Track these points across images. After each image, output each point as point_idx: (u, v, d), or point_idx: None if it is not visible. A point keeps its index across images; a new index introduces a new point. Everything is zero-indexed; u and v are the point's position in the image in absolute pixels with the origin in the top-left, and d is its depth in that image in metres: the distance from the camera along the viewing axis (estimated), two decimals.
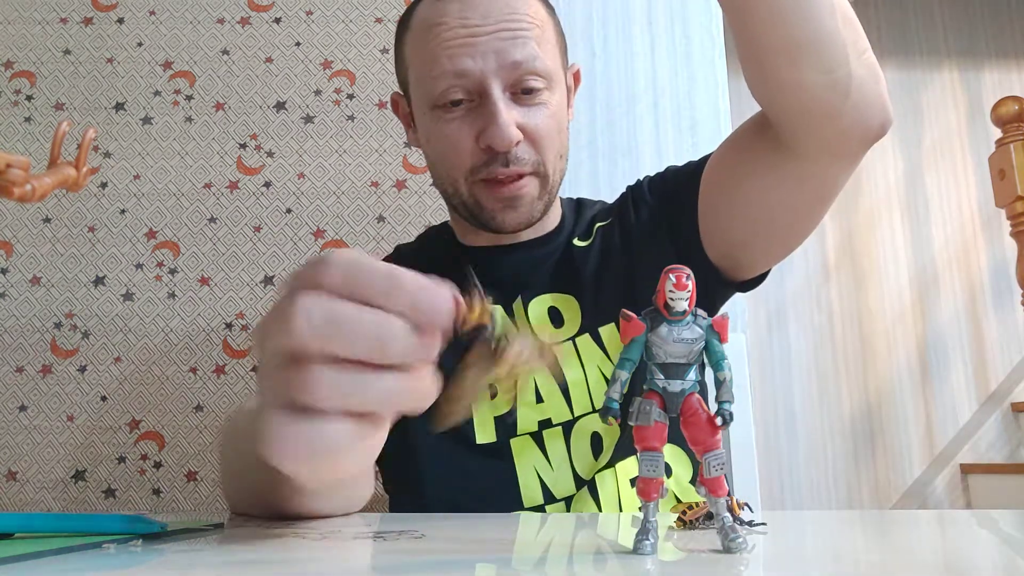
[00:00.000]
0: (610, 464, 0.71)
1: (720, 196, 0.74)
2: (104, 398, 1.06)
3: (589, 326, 0.75)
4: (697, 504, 0.42)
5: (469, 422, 0.72)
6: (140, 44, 1.18)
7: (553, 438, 0.73)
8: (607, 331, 0.75)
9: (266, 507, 0.54)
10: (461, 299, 0.33)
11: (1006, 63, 3.01)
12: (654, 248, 0.77)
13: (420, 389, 0.33)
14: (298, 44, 1.18)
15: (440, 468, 0.72)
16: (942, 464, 2.58)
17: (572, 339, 0.74)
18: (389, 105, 0.81)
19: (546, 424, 0.73)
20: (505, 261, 0.80)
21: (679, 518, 0.42)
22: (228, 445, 0.63)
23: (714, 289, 0.77)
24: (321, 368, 0.31)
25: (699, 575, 0.29)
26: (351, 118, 1.15)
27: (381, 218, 1.11)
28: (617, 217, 0.82)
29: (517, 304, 0.78)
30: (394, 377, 0.32)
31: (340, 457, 0.32)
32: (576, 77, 0.82)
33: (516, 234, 0.78)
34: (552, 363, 0.37)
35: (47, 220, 1.12)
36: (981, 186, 2.82)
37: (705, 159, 0.78)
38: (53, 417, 1.06)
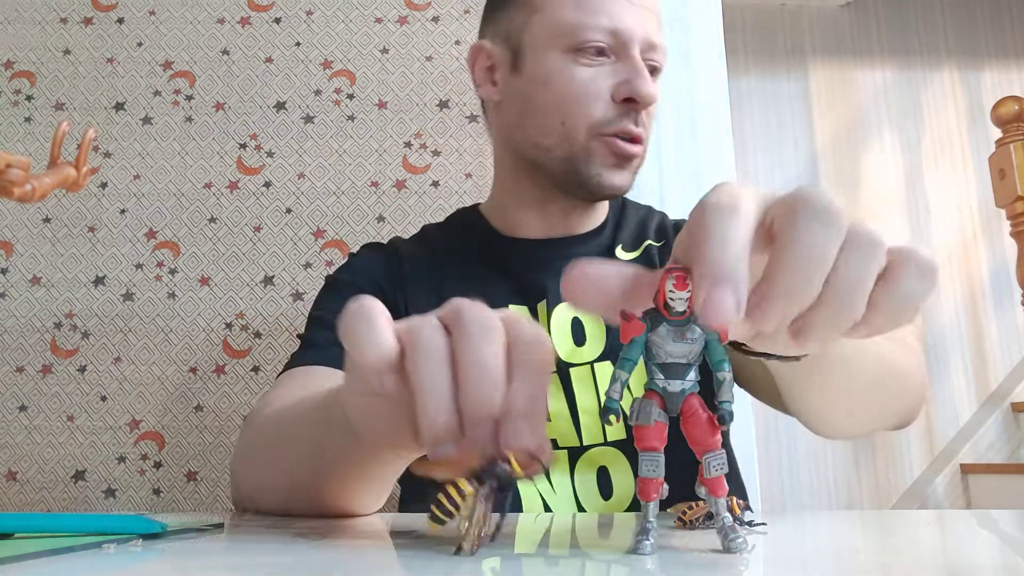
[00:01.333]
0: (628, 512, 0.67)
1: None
2: (104, 398, 1.06)
3: (612, 353, 0.72)
4: (697, 504, 0.42)
5: None
6: (140, 44, 1.18)
7: (557, 462, 0.70)
8: None
9: (305, 486, 0.52)
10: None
11: (1006, 63, 3.01)
12: None
13: (441, 447, 0.32)
14: (298, 44, 1.18)
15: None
16: (942, 464, 2.58)
17: (591, 363, 0.72)
18: (468, 57, 0.79)
19: (551, 445, 0.71)
20: (541, 255, 0.77)
21: (679, 518, 0.42)
22: (284, 416, 0.59)
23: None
24: (440, 343, 0.32)
25: (699, 575, 0.29)
26: (351, 118, 1.15)
27: (381, 218, 1.11)
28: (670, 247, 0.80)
29: (541, 307, 0.75)
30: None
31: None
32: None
33: (563, 225, 0.77)
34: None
35: (47, 220, 1.12)
36: (981, 186, 2.82)
37: None
38: (53, 417, 1.06)
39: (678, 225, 0.83)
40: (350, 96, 1.16)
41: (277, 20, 1.19)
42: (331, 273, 0.82)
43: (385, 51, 1.17)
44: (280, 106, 1.15)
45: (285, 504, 0.56)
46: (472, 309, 0.33)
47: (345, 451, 0.46)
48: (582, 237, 0.79)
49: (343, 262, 0.83)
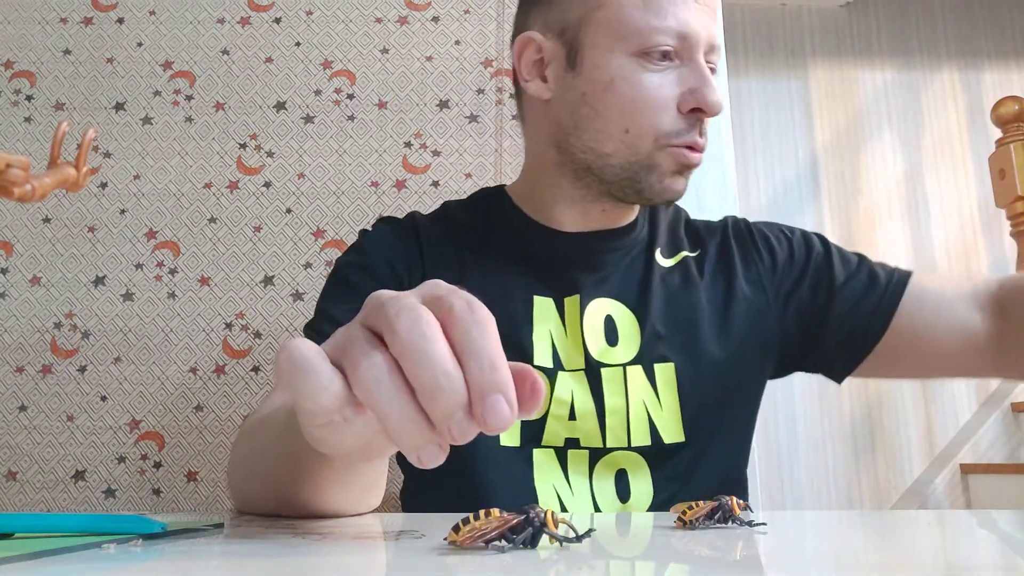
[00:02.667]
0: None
1: (906, 357, 0.75)
2: (104, 398, 1.06)
3: (644, 359, 0.71)
4: (697, 504, 0.42)
5: None
6: (140, 44, 1.18)
7: (577, 461, 0.69)
8: (662, 370, 0.71)
9: (287, 496, 0.53)
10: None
11: (1006, 63, 3.01)
12: (752, 317, 0.75)
13: (424, 452, 0.32)
14: (298, 44, 1.18)
15: (457, 462, 0.67)
16: (942, 464, 2.58)
17: (623, 366, 0.70)
18: (514, 51, 0.75)
19: (573, 444, 0.69)
20: (576, 248, 0.75)
21: (679, 518, 0.42)
22: (260, 428, 0.60)
23: (779, 368, 0.78)
24: (381, 361, 0.31)
25: (699, 575, 0.29)
26: (351, 118, 1.15)
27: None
28: (713, 256, 0.78)
29: (572, 301, 0.73)
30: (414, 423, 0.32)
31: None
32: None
33: (600, 221, 0.75)
34: None
35: (47, 220, 1.12)
36: (981, 186, 2.82)
37: (879, 282, 0.76)
38: (53, 417, 1.06)
39: (710, 226, 0.82)
40: (350, 96, 1.16)
41: (277, 20, 1.19)
42: (341, 256, 0.78)
43: (385, 51, 1.17)
44: (280, 106, 1.15)
45: (274, 510, 0.56)
46: (395, 307, 0.32)
47: (317, 463, 0.47)
48: (615, 232, 0.76)
49: (353, 241, 0.80)
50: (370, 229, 0.80)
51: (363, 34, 1.18)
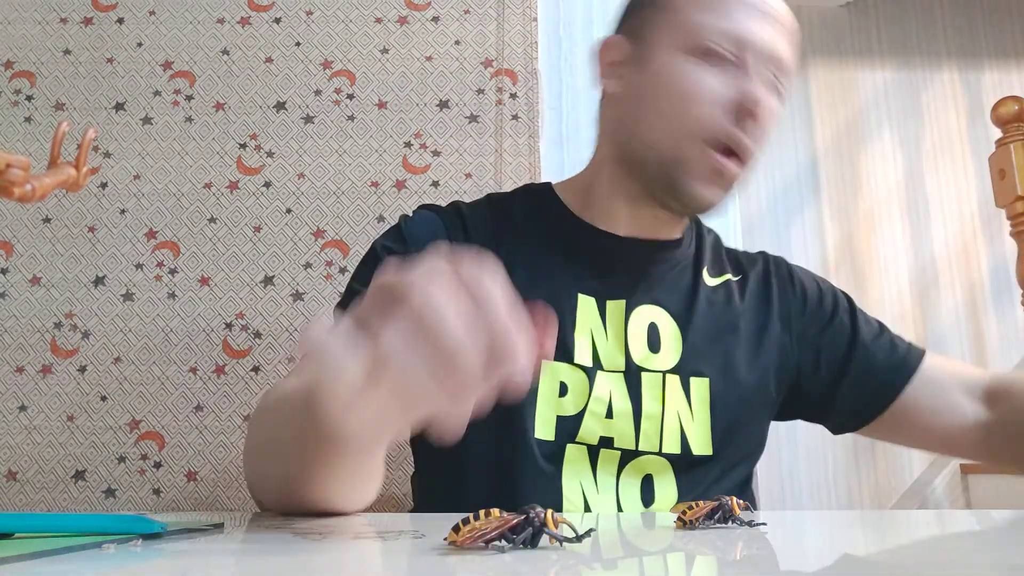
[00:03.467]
0: None
1: (902, 428, 0.79)
2: (104, 398, 1.06)
3: (683, 369, 0.73)
4: (697, 504, 0.42)
5: (531, 413, 0.68)
6: (140, 44, 1.18)
7: (607, 461, 0.70)
8: (698, 384, 0.73)
9: (295, 482, 0.53)
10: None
11: (1006, 63, 3.01)
12: (777, 351, 0.77)
13: (449, 414, 0.35)
14: (298, 44, 1.18)
15: (485, 453, 0.67)
16: (942, 464, 2.58)
17: (663, 373, 0.72)
18: (595, 51, 0.79)
19: (607, 443, 0.70)
20: (625, 253, 0.76)
21: (679, 517, 0.42)
22: (274, 411, 0.60)
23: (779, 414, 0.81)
24: (397, 332, 0.34)
25: (698, 574, 0.29)
26: (351, 118, 1.15)
27: (381, 218, 1.11)
28: (753, 285, 0.80)
29: (616, 305, 0.74)
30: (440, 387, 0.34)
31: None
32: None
33: (651, 227, 0.76)
34: None
35: (47, 220, 1.12)
36: (981, 186, 2.82)
37: (892, 354, 0.79)
38: (53, 417, 1.06)
39: (749, 256, 0.84)
40: (350, 96, 1.16)
41: (277, 20, 1.18)
42: (378, 238, 0.78)
43: (385, 51, 1.17)
44: (280, 106, 1.15)
45: (278, 495, 0.57)
46: (406, 279, 0.35)
47: (329, 445, 0.48)
48: (665, 244, 0.78)
49: (392, 226, 0.79)
50: (410, 215, 0.79)
51: (363, 34, 1.18)
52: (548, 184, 0.83)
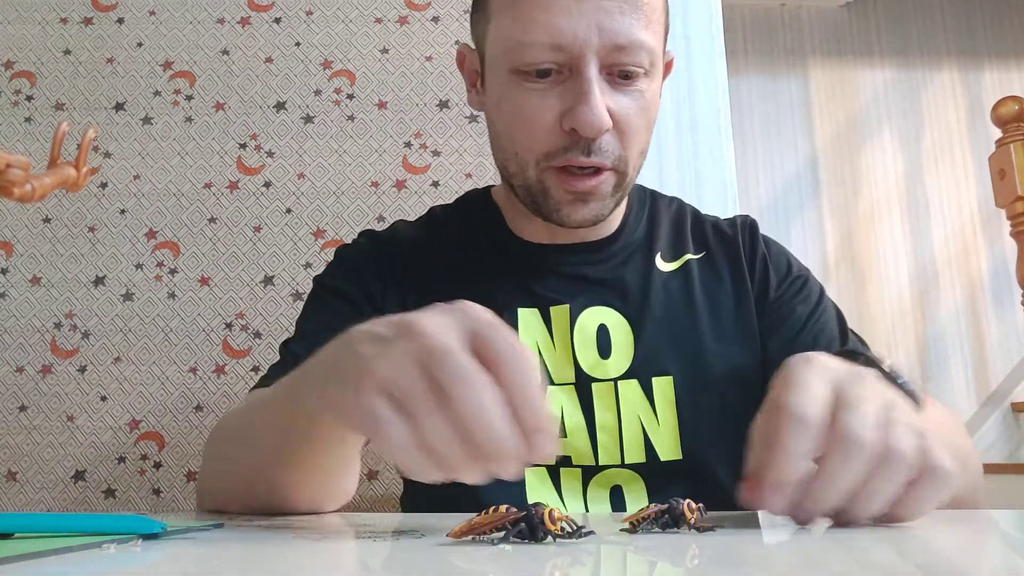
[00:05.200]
0: None
1: None
2: (104, 398, 1.06)
3: (640, 371, 0.67)
4: (646, 508, 0.41)
5: None
6: (140, 44, 1.18)
7: (570, 479, 0.66)
8: (662, 383, 0.67)
9: (270, 481, 0.55)
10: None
11: (1006, 63, 3.01)
12: (747, 320, 0.70)
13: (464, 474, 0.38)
14: (298, 44, 1.18)
15: (453, 483, 0.65)
16: None
17: (615, 380, 0.67)
18: (456, 59, 0.73)
19: (565, 462, 0.66)
20: (551, 260, 0.71)
21: (629, 520, 0.41)
22: (243, 419, 0.60)
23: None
24: (441, 423, 0.37)
25: (698, 573, 0.29)
26: (351, 118, 1.15)
27: (381, 218, 1.11)
28: (720, 258, 0.74)
29: (560, 311, 0.69)
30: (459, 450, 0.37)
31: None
32: (668, 67, 0.71)
33: (577, 230, 0.70)
34: None
35: (47, 220, 1.12)
36: (981, 186, 2.82)
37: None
38: (53, 417, 1.06)
39: (718, 226, 0.77)
40: (350, 96, 1.16)
41: (277, 20, 1.18)
42: (319, 275, 0.77)
43: (385, 51, 1.17)
44: (280, 106, 1.15)
45: (243, 499, 0.58)
46: (448, 364, 0.37)
47: (307, 440, 0.50)
48: (596, 244, 0.73)
49: (332, 259, 0.78)
50: (348, 244, 0.78)
51: (363, 34, 1.18)
52: (488, 190, 0.80)
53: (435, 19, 1.18)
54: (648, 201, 0.78)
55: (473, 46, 0.71)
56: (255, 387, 0.70)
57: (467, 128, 1.14)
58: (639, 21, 0.61)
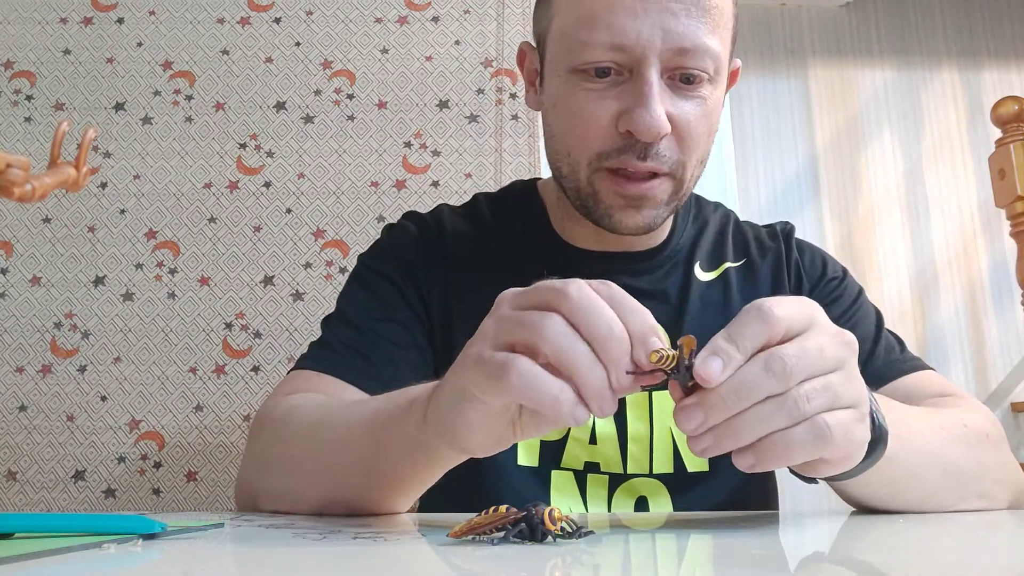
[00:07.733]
0: None
1: None
2: (104, 398, 1.06)
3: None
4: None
5: None
6: (140, 44, 1.18)
7: (596, 485, 0.66)
8: None
9: (356, 491, 0.54)
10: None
11: (1006, 63, 3.01)
12: None
13: (604, 401, 0.38)
14: (298, 44, 1.18)
15: (475, 480, 0.64)
16: None
17: (650, 391, 0.64)
18: (517, 58, 0.72)
19: (593, 468, 0.66)
20: (599, 269, 0.69)
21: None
22: (326, 426, 0.58)
23: None
24: (560, 320, 0.38)
25: (696, 574, 0.29)
26: (351, 118, 1.15)
27: (381, 218, 1.11)
28: (759, 266, 0.73)
29: None
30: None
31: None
32: (734, 76, 0.71)
33: (616, 241, 0.69)
34: None
35: (47, 220, 1.12)
36: (981, 186, 2.82)
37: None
38: (53, 417, 1.06)
39: (759, 234, 0.77)
40: (350, 96, 1.16)
41: (277, 20, 1.18)
42: (364, 254, 0.75)
43: (385, 51, 1.17)
44: (280, 106, 1.15)
45: (319, 509, 0.56)
46: (557, 284, 0.40)
47: (409, 458, 0.49)
48: (644, 253, 0.71)
49: (377, 240, 0.76)
50: (395, 225, 0.77)
51: (363, 34, 1.18)
52: (533, 185, 0.79)
53: (435, 19, 1.18)
54: (693, 208, 0.77)
55: (534, 44, 0.70)
56: (296, 368, 0.68)
57: (467, 128, 1.14)
58: (705, 25, 0.60)
